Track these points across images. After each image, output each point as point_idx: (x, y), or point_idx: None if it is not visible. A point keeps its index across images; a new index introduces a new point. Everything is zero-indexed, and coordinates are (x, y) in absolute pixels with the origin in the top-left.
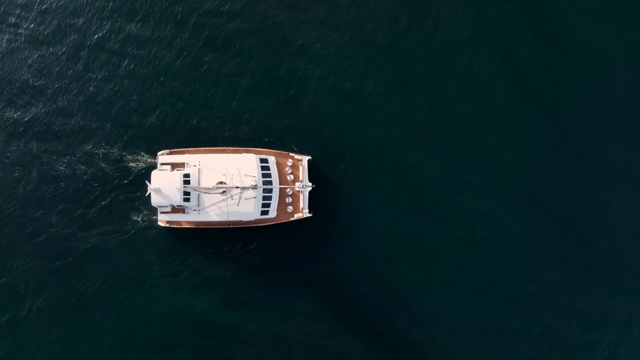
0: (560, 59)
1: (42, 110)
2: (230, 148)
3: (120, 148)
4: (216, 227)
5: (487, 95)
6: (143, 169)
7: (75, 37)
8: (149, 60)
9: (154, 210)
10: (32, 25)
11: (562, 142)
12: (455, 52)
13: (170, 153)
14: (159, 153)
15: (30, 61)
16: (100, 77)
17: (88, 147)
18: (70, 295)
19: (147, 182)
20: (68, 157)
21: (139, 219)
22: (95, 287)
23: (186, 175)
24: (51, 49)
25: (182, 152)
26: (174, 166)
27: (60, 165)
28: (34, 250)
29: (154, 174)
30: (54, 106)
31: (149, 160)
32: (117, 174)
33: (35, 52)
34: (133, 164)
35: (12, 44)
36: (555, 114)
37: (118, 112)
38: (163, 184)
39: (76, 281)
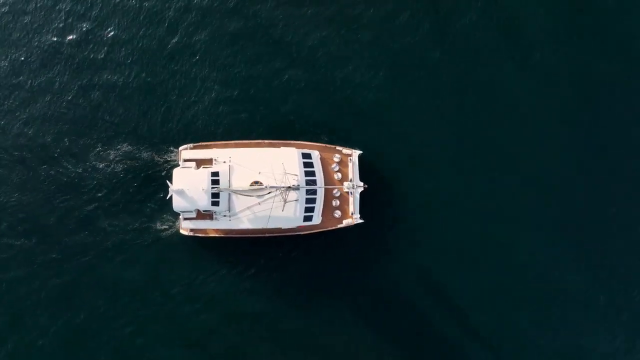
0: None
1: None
2: (266, 141)
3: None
4: (249, 236)
5: None
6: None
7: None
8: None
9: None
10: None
11: None
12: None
13: (195, 147)
14: (180, 148)
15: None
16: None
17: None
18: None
19: (167, 182)
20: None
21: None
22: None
23: (215, 174)
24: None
25: (209, 147)
26: (200, 163)
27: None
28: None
29: (176, 172)
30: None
31: (154, 157)
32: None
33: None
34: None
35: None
36: None
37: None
38: (187, 184)
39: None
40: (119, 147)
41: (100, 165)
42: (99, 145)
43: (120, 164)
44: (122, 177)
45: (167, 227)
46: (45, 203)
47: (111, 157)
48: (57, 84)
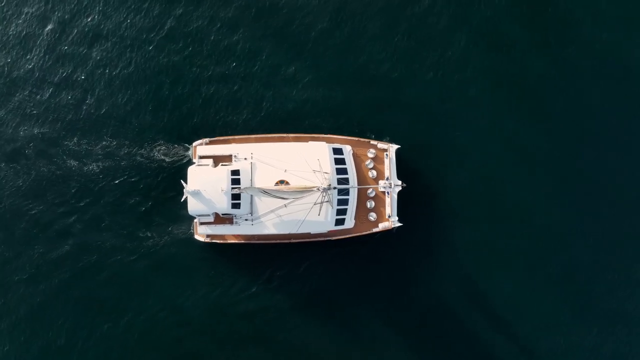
0: None
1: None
2: (291, 135)
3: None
4: (273, 242)
5: None
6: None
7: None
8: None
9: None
10: None
11: None
12: None
13: (211, 143)
14: (195, 143)
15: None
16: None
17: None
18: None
19: (182, 182)
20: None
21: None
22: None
23: (235, 173)
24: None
25: (227, 141)
26: (217, 160)
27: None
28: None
29: (192, 171)
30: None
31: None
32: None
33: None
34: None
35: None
36: None
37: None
38: (204, 184)
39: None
40: (104, 143)
41: (84, 163)
42: (85, 142)
43: (108, 162)
44: (111, 178)
45: (153, 237)
46: (19, 210)
47: (98, 155)
48: (36, 74)
